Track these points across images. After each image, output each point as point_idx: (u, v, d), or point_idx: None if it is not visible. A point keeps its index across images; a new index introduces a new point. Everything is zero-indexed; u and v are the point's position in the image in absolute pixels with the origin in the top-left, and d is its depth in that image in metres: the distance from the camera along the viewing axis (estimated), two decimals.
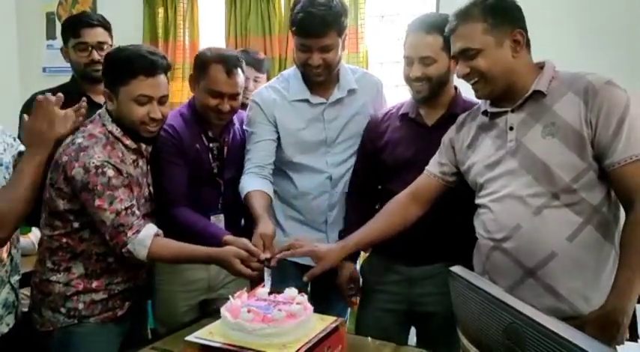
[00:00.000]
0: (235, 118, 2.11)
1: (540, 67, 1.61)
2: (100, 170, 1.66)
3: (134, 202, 1.73)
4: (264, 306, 1.44)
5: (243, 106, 2.20)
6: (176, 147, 1.95)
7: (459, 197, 1.84)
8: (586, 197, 1.51)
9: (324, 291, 2.04)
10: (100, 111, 1.82)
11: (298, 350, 1.32)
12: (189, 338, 1.40)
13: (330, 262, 1.77)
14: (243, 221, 2.16)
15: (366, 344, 1.63)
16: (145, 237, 1.68)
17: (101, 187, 1.66)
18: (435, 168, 1.79)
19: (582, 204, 1.51)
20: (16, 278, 1.78)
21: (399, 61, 2.96)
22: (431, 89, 1.83)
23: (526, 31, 1.58)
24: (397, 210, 1.81)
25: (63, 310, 1.75)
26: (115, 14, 2.65)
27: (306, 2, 1.90)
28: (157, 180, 1.92)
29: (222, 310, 1.43)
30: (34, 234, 2.47)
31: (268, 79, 2.68)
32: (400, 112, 1.94)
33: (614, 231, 1.55)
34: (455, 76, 1.89)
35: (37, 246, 2.06)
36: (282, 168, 2.08)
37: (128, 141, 1.78)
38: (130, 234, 1.67)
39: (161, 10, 3.53)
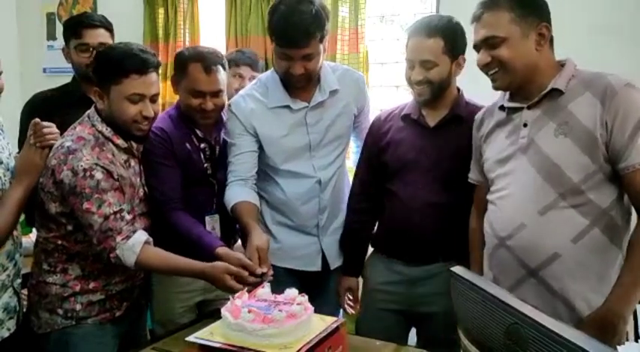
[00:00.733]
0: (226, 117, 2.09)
1: (562, 64, 1.59)
2: (88, 173, 1.64)
3: (124, 207, 1.70)
4: (264, 307, 1.44)
5: None
6: (166, 148, 1.92)
7: (458, 197, 1.85)
8: (594, 199, 1.49)
9: (315, 296, 2.03)
10: (88, 111, 1.80)
11: (299, 350, 1.32)
12: (190, 338, 1.40)
13: None
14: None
15: (367, 344, 1.63)
16: (135, 244, 1.67)
17: (89, 190, 1.64)
18: (476, 174, 1.79)
19: (589, 206, 1.49)
20: (18, 281, 1.77)
21: (399, 61, 2.98)
22: (432, 92, 1.83)
23: (551, 27, 1.56)
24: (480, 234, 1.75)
25: (60, 311, 1.74)
26: (116, 15, 2.65)
27: (286, 9, 1.81)
28: (149, 182, 1.90)
29: (223, 310, 1.43)
30: (35, 235, 2.47)
31: None
32: (402, 113, 1.94)
33: (622, 236, 1.53)
34: (457, 78, 1.89)
35: None
36: (269, 174, 2.03)
37: (119, 141, 1.76)
38: (118, 239, 1.66)
39: (161, 11, 3.54)
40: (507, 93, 1.66)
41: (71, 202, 1.66)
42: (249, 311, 1.39)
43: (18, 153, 1.80)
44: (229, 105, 2.00)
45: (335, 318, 1.50)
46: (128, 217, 1.70)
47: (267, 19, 1.88)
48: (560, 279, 1.52)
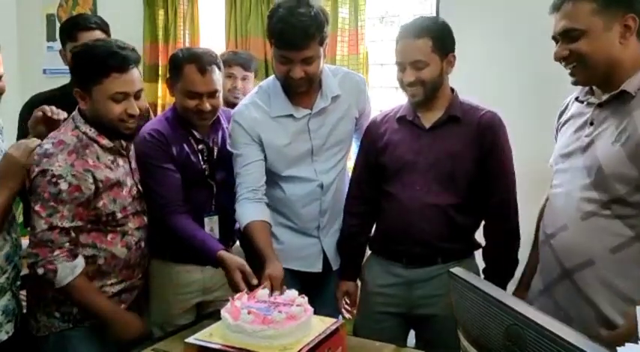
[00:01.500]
0: (223, 118, 2.08)
1: None
2: (54, 179, 1.62)
3: (79, 224, 1.67)
4: (264, 308, 1.44)
5: (234, 106, 2.19)
6: (163, 151, 1.92)
7: (457, 198, 1.85)
8: None
9: (316, 297, 2.03)
10: (73, 113, 1.77)
11: (299, 351, 1.32)
12: (189, 340, 1.40)
13: None
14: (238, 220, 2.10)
15: (367, 345, 1.63)
16: (78, 266, 1.66)
17: (47, 195, 1.62)
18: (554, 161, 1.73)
19: (636, 219, 1.43)
20: (17, 284, 1.76)
21: None
22: (425, 92, 1.83)
23: (637, 18, 1.44)
24: None
25: (57, 314, 1.73)
26: (116, 16, 2.65)
27: (285, 12, 1.80)
28: (147, 185, 1.89)
29: (223, 312, 1.43)
30: None
31: (255, 77, 2.72)
32: (398, 115, 1.94)
33: None
34: (449, 78, 1.89)
35: None
36: (270, 177, 2.01)
37: (104, 141, 1.74)
38: (57, 252, 1.63)
39: (161, 12, 3.54)
40: None
41: (30, 200, 1.65)
42: (249, 313, 1.39)
43: None
44: (233, 115, 1.99)
45: (334, 320, 1.50)
46: (74, 238, 1.68)
47: (267, 22, 1.88)
48: (593, 286, 1.48)
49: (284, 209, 2.03)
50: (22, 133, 2.26)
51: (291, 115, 1.96)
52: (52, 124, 1.84)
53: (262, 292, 1.55)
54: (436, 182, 1.84)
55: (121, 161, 1.80)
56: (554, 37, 1.54)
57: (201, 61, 1.88)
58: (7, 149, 1.69)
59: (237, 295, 1.51)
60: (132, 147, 1.86)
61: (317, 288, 1.99)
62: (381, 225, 2.00)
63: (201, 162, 2.00)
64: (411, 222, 1.85)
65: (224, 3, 3.36)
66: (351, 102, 2.03)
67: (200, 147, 2.00)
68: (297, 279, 1.97)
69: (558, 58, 1.52)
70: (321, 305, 1.71)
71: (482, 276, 1.84)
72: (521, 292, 1.79)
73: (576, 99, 1.62)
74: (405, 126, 1.92)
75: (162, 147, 1.92)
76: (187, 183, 1.96)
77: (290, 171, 2.00)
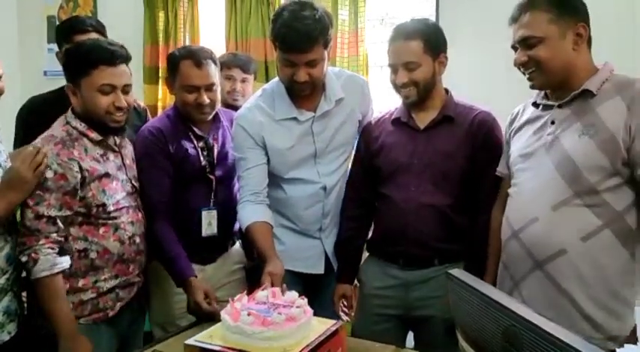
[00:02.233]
0: (224, 117, 2.11)
1: (598, 67, 1.59)
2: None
3: (67, 213, 1.70)
4: (264, 309, 1.44)
5: (234, 108, 2.20)
6: (160, 148, 1.96)
7: (452, 198, 1.85)
8: (609, 200, 1.51)
9: (316, 298, 2.04)
10: (67, 112, 1.82)
11: None
12: (189, 341, 1.41)
13: None
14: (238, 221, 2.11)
15: (367, 346, 1.63)
16: (57, 264, 1.67)
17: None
18: (503, 167, 1.80)
19: (604, 207, 1.51)
20: (18, 284, 1.76)
21: None
22: (419, 93, 1.85)
23: (589, 27, 1.57)
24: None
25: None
26: (116, 17, 2.66)
27: (289, 15, 1.80)
28: (141, 182, 1.93)
29: (222, 313, 1.44)
30: None
31: (255, 79, 2.74)
32: (392, 117, 1.95)
33: (635, 240, 1.54)
34: (449, 79, 1.92)
35: None
36: (273, 179, 2.02)
37: (93, 134, 1.78)
38: (42, 241, 1.66)
39: (161, 14, 3.53)
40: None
41: None
42: (249, 314, 1.39)
43: None
44: (236, 118, 2.00)
45: (334, 321, 1.50)
46: (62, 228, 1.70)
47: (271, 25, 1.88)
48: (566, 275, 1.54)
49: (286, 211, 2.04)
50: (19, 135, 2.27)
51: (295, 118, 1.96)
52: None
53: (262, 293, 1.55)
54: (431, 182, 1.85)
55: (111, 156, 1.83)
56: (513, 46, 1.64)
57: (196, 55, 1.95)
58: (13, 160, 1.68)
59: (238, 296, 1.52)
60: (126, 144, 1.91)
61: (318, 290, 1.99)
62: (378, 227, 2.01)
63: (201, 158, 2.02)
64: (407, 223, 1.86)
65: (224, 4, 3.36)
66: (354, 105, 2.04)
67: (200, 144, 2.03)
68: (299, 281, 1.98)
69: (518, 64, 1.62)
70: (322, 306, 1.72)
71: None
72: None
73: (533, 103, 1.69)
74: (400, 128, 1.93)
75: (158, 144, 1.96)
76: (186, 179, 2.00)
77: (293, 173, 2.00)
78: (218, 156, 2.06)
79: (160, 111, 3.45)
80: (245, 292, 1.58)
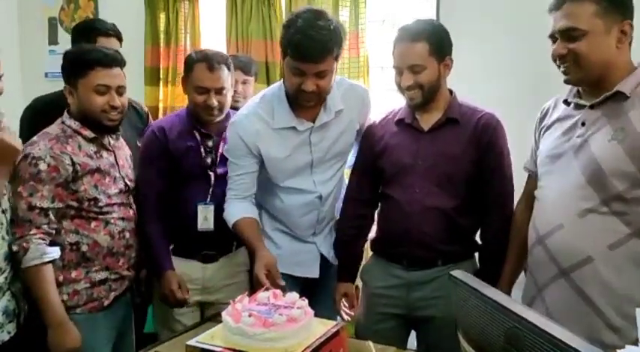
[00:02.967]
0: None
1: (635, 67, 1.52)
2: (34, 161, 1.73)
3: (59, 205, 1.77)
4: (265, 311, 1.44)
5: (235, 109, 2.21)
6: (159, 148, 2.04)
7: (456, 200, 1.85)
8: (638, 209, 1.45)
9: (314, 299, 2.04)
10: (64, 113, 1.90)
11: None
12: (191, 342, 1.41)
13: None
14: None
15: (367, 348, 1.63)
16: (47, 254, 1.72)
17: (28, 176, 1.73)
18: (531, 164, 1.76)
19: (634, 216, 1.46)
20: (17, 284, 1.76)
21: None
22: (424, 95, 1.83)
23: (633, 25, 1.49)
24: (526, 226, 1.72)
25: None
26: (117, 19, 2.65)
27: (304, 24, 1.76)
28: (137, 177, 2.03)
29: (224, 314, 1.44)
30: None
31: (256, 80, 2.76)
32: (396, 118, 1.95)
33: None
34: (448, 80, 1.90)
35: None
36: (269, 187, 2.03)
37: (86, 132, 1.86)
38: (34, 232, 1.71)
39: (162, 15, 3.53)
40: (574, 87, 1.61)
41: (13, 184, 1.72)
42: (250, 315, 1.39)
43: None
44: (232, 123, 1.99)
45: (335, 322, 1.50)
46: (54, 221, 1.76)
47: (282, 32, 1.84)
48: (591, 284, 1.49)
49: (282, 217, 2.05)
50: (26, 135, 2.27)
51: (293, 128, 1.94)
52: None
53: (263, 295, 1.55)
54: (435, 184, 1.85)
55: (105, 154, 1.91)
56: (551, 35, 1.55)
57: (210, 59, 2.00)
58: None
59: (239, 297, 1.52)
60: (122, 145, 1.99)
61: (315, 292, 1.99)
62: (381, 228, 2.01)
63: (204, 154, 2.07)
64: (411, 224, 1.86)
65: (225, 6, 3.36)
66: (353, 116, 2.02)
67: (206, 141, 2.08)
68: (297, 281, 1.98)
69: (555, 56, 1.53)
70: (320, 308, 1.74)
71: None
72: (504, 287, 1.78)
73: (564, 101, 1.62)
74: (404, 129, 1.92)
75: (158, 143, 2.04)
76: (186, 175, 2.07)
77: (289, 182, 2.00)
78: (222, 154, 2.08)
79: (160, 113, 3.46)
80: (246, 293, 1.58)
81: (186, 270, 2.08)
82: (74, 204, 1.81)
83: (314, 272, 2.05)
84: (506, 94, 2.59)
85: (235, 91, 2.59)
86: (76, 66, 1.85)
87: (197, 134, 2.07)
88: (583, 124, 1.53)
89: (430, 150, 1.86)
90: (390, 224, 1.95)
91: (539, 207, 1.63)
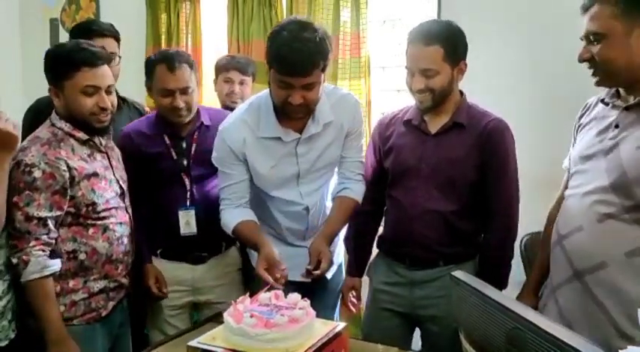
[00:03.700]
0: (205, 117, 2.11)
1: None
2: (28, 168, 1.66)
3: (58, 214, 1.69)
4: (266, 311, 1.44)
5: (232, 110, 2.20)
6: (130, 151, 2.02)
7: (458, 204, 1.85)
8: None
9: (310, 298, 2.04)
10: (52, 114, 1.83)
11: None
12: (192, 343, 1.41)
13: None
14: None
15: (370, 348, 1.63)
16: (48, 267, 1.66)
17: (23, 185, 1.65)
18: (568, 160, 1.70)
19: None
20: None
21: (400, 65, 2.99)
22: (434, 100, 1.81)
23: None
24: None
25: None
26: (118, 19, 2.66)
27: (289, 36, 1.69)
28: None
29: (225, 315, 1.44)
30: None
31: (254, 81, 2.73)
32: (405, 118, 1.94)
33: None
34: (460, 83, 1.89)
35: None
36: (258, 195, 2.00)
37: (79, 134, 1.78)
38: (34, 243, 1.64)
39: (164, 16, 3.54)
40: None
41: (9, 196, 1.64)
42: (252, 316, 1.39)
43: None
44: (220, 131, 1.93)
45: (337, 323, 1.50)
46: (53, 230, 1.69)
47: (267, 44, 1.76)
48: (604, 289, 1.47)
49: (272, 223, 2.04)
50: (25, 138, 2.27)
51: (279, 138, 1.87)
52: None
53: (265, 295, 1.55)
54: (437, 188, 1.85)
55: (98, 156, 1.84)
56: (582, 38, 1.51)
57: (171, 59, 1.97)
58: None
59: (240, 298, 1.52)
60: (113, 144, 1.94)
61: (312, 295, 1.99)
62: (386, 227, 2.03)
63: (176, 158, 2.06)
64: (412, 227, 1.87)
65: (226, 6, 3.37)
66: (342, 127, 1.94)
67: (177, 143, 2.06)
68: (293, 287, 1.97)
69: (581, 60, 1.50)
70: (318, 309, 1.75)
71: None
72: (527, 295, 1.76)
73: (601, 100, 1.57)
74: (411, 130, 1.91)
75: (127, 147, 2.02)
76: (162, 179, 2.06)
77: (275, 192, 1.97)
78: (195, 156, 2.06)
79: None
80: (248, 294, 1.58)
81: (174, 273, 2.08)
82: (72, 210, 1.72)
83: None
84: (507, 94, 2.58)
85: (233, 92, 2.60)
86: (60, 67, 1.74)
87: (166, 138, 2.05)
88: (617, 126, 1.48)
89: (434, 154, 1.85)
90: (393, 224, 1.96)
91: (565, 206, 1.60)
